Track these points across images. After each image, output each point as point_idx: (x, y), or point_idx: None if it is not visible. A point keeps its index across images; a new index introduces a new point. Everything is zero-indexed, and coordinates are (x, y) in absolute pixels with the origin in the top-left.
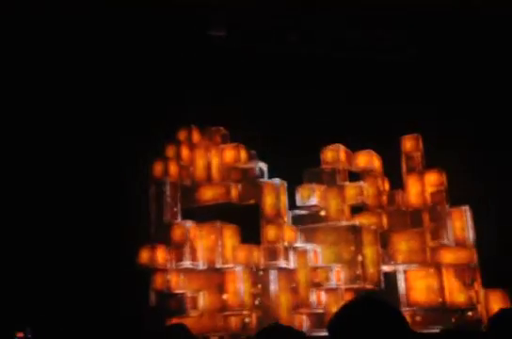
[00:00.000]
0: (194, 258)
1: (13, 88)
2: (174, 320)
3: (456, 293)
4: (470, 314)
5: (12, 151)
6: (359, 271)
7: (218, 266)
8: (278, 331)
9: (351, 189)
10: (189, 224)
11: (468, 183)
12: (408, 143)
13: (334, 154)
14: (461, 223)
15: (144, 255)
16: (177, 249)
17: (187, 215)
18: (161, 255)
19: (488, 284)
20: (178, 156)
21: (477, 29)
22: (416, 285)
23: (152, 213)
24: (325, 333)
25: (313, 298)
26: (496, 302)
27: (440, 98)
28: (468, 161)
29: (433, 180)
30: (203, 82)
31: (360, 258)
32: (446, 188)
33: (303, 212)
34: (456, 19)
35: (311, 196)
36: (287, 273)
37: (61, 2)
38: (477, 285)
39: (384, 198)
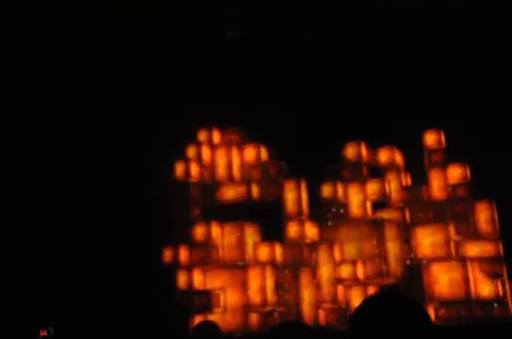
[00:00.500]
0: (217, 256)
1: (30, 90)
2: (198, 317)
3: (480, 286)
4: (496, 307)
5: (37, 153)
6: (382, 266)
7: (241, 263)
8: (290, 328)
9: (373, 185)
10: (212, 223)
11: (492, 176)
12: (430, 138)
13: (356, 150)
14: (486, 216)
15: (167, 254)
16: (200, 247)
17: (210, 214)
18: (184, 254)
19: None
20: (199, 157)
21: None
22: (440, 279)
23: (176, 213)
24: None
25: (336, 293)
26: None
27: (463, 93)
28: (491, 155)
29: (456, 174)
30: (222, 83)
31: (382, 253)
32: (469, 182)
33: (325, 208)
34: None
35: (333, 192)
36: (310, 269)
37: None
38: (503, 278)
39: (406, 193)
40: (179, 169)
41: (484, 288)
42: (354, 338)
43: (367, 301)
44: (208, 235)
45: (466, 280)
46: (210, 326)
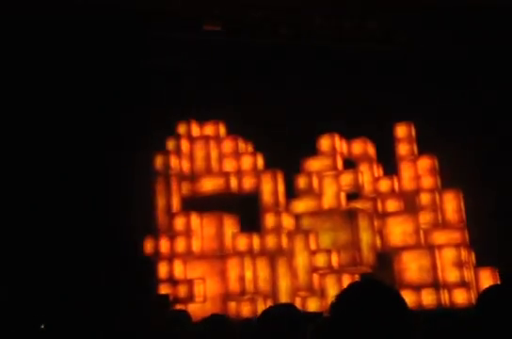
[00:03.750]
0: (196, 247)
1: (15, 88)
2: (178, 307)
3: (447, 272)
4: (461, 292)
5: (19, 149)
6: (355, 255)
7: (220, 253)
8: (279, 311)
9: (347, 176)
10: (191, 214)
11: (459, 166)
12: (401, 130)
13: (330, 143)
14: (453, 206)
15: (148, 245)
16: (180, 238)
17: (189, 205)
18: (164, 244)
19: (480, 264)
20: (178, 149)
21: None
22: (410, 266)
23: (155, 204)
24: (324, 315)
25: (312, 281)
26: (487, 281)
27: (431, 84)
28: (460, 146)
29: (425, 165)
30: (201, 76)
31: (356, 242)
32: (438, 173)
33: (301, 199)
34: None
35: (308, 184)
36: (286, 258)
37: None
38: (469, 265)
39: (379, 183)
40: (159, 161)
41: (451, 275)
42: (336, 323)
43: (348, 289)
44: (188, 226)
45: (434, 266)
46: (182, 315)
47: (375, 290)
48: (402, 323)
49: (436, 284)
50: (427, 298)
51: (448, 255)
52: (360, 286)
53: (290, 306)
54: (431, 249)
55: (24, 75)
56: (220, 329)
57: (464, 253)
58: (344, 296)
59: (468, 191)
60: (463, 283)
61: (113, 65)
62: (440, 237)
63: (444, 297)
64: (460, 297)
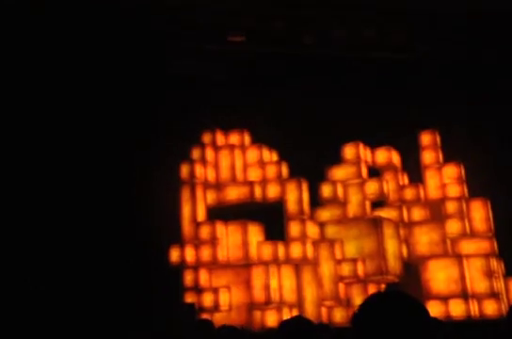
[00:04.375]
0: (221, 255)
1: (25, 88)
2: (204, 316)
3: (476, 283)
4: (491, 303)
5: (39, 152)
6: (381, 264)
7: (245, 262)
8: (298, 323)
9: (371, 185)
10: (216, 223)
11: (487, 175)
12: (426, 138)
13: (354, 151)
14: (481, 214)
15: (174, 254)
16: (205, 247)
17: (214, 214)
18: (190, 253)
19: (509, 274)
20: (203, 158)
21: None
22: (437, 276)
23: (181, 213)
24: (349, 326)
25: (338, 291)
26: None
27: (458, 91)
28: (488, 154)
29: (451, 173)
30: (226, 85)
31: (381, 251)
32: (464, 181)
33: (326, 208)
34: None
35: (332, 192)
36: (312, 267)
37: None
38: (499, 275)
39: (404, 192)
40: (184, 170)
41: (480, 285)
42: (358, 334)
43: (371, 299)
44: (213, 235)
45: (462, 276)
46: (206, 324)
47: (397, 301)
48: (424, 335)
49: (464, 295)
50: (456, 309)
51: (477, 265)
52: (383, 297)
53: (300, 318)
54: (459, 258)
55: (50, 77)
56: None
57: (493, 263)
58: (365, 307)
59: (496, 200)
60: (493, 294)
61: (142, 74)
62: (467, 247)
63: (474, 308)
64: (490, 308)
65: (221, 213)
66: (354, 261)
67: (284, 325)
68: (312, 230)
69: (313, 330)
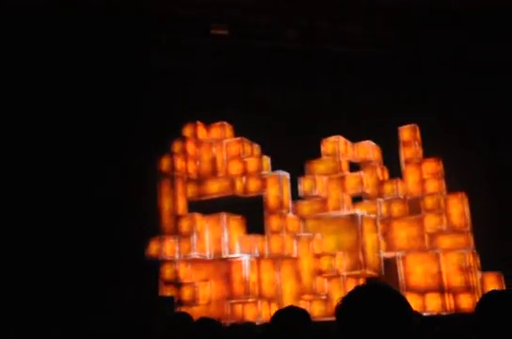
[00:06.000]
0: (201, 249)
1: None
2: (183, 309)
3: (453, 277)
4: (466, 297)
5: (24, 150)
6: (360, 258)
7: (225, 256)
8: (293, 312)
9: (351, 179)
10: (196, 216)
11: (465, 169)
12: (406, 133)
13: (334, 146)
14: (458, 209)
15: (153, 247)
16: (185, 240)
17: (194, 207)
18: (169, 247)
19: (485, 269)
20: (184, 151)
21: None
22: (415, 270)
23: (161, 206)
24: (328, 319)
25: (317, 285)
26: (492, 285)
27: (437, 86)
28: (465, 149)
29: (430, 169)
30: (207, 79)
31: (360, 246)
32: (443, 176)
33: (305, 202)
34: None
35: (312, 187)
36: (291, 262)
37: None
38: (474, 270)
39: (383, 187)
40: (164, 163)
41: (456, 279)
42: (342, 326)
43: (353, 292)
44: (193, 228)
45: (439, 271)
46: (183, 317)
47: (380, 293)
48: (406, 327)
49: (441, 289)
50: (432, 303)
51: (453, 259)
52: (366, 289)
53: (294, 308)
54: (436, 253)
55: (38, 77)
56: (207, 333)
57: (469, 258)
58: (349, 298)
59: (473, 195)
60: (468, 288)
61: (121, 67)
62: (444, 241)
63: (449, 301)
64: (465, 301)
65: (202, 206)
66: (333, 255)
67: (279, 315)
68: (293, 224)
69: (309, 320)
